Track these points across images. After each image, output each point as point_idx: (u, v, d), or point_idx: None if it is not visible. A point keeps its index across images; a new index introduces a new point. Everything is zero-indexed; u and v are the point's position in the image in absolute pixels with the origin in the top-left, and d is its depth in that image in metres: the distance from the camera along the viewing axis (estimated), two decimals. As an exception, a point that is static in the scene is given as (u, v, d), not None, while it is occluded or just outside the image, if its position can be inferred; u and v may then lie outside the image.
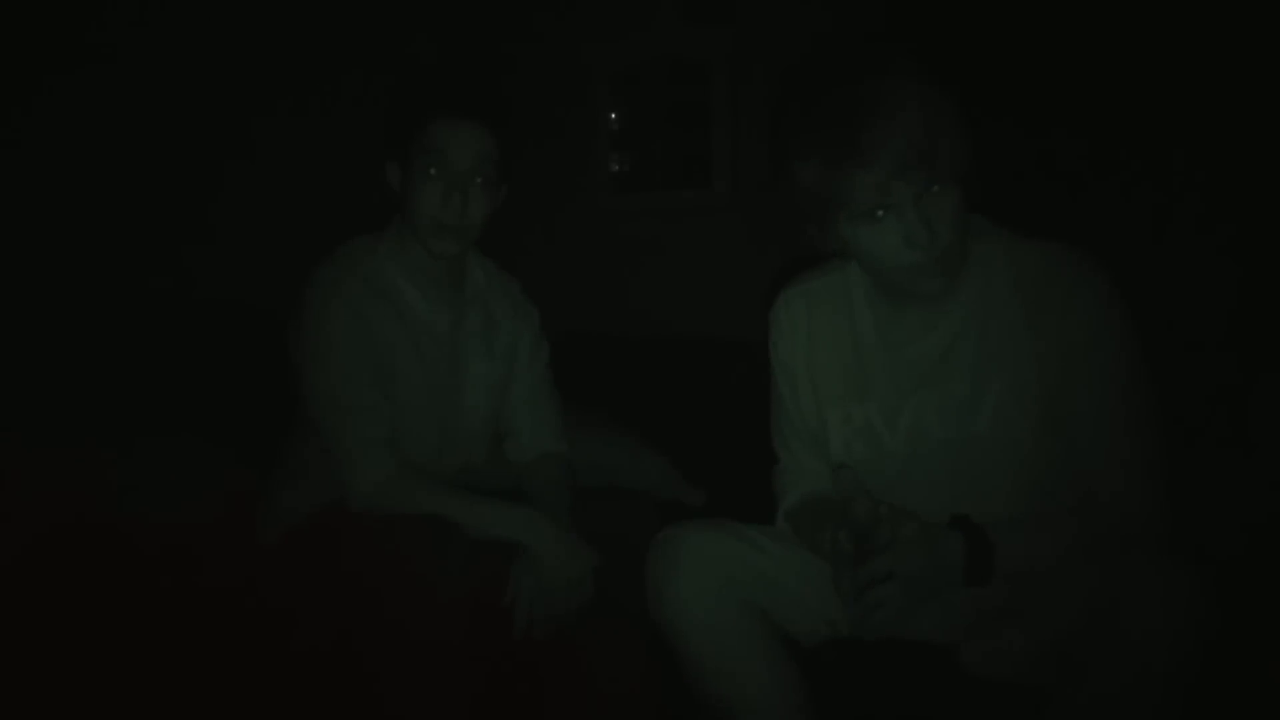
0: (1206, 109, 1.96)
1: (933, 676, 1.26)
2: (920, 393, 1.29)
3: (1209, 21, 1.92)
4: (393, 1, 2.90)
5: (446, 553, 1.38)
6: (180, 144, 2.44)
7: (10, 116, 2.14)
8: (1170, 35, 1.98)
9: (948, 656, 1.25)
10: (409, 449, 1.53)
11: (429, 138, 1.50)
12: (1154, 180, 2.02)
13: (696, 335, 2.58)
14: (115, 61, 2.32)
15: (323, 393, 1.51)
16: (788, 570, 1.31)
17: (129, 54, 2.34)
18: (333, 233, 1.63)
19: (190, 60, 2.47)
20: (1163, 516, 1.17)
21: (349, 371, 1.50)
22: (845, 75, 1.18)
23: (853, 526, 1.16)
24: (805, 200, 1.22)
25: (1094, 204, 2.05)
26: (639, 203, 2.96)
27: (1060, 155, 2.09)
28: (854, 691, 1.31)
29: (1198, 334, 1.82)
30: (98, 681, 1.56)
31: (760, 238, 2.63)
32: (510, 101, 1.63)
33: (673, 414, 2.31)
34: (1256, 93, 1.89)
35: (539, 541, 1.45)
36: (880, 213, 1.16)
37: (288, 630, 1.50)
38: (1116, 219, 2.02)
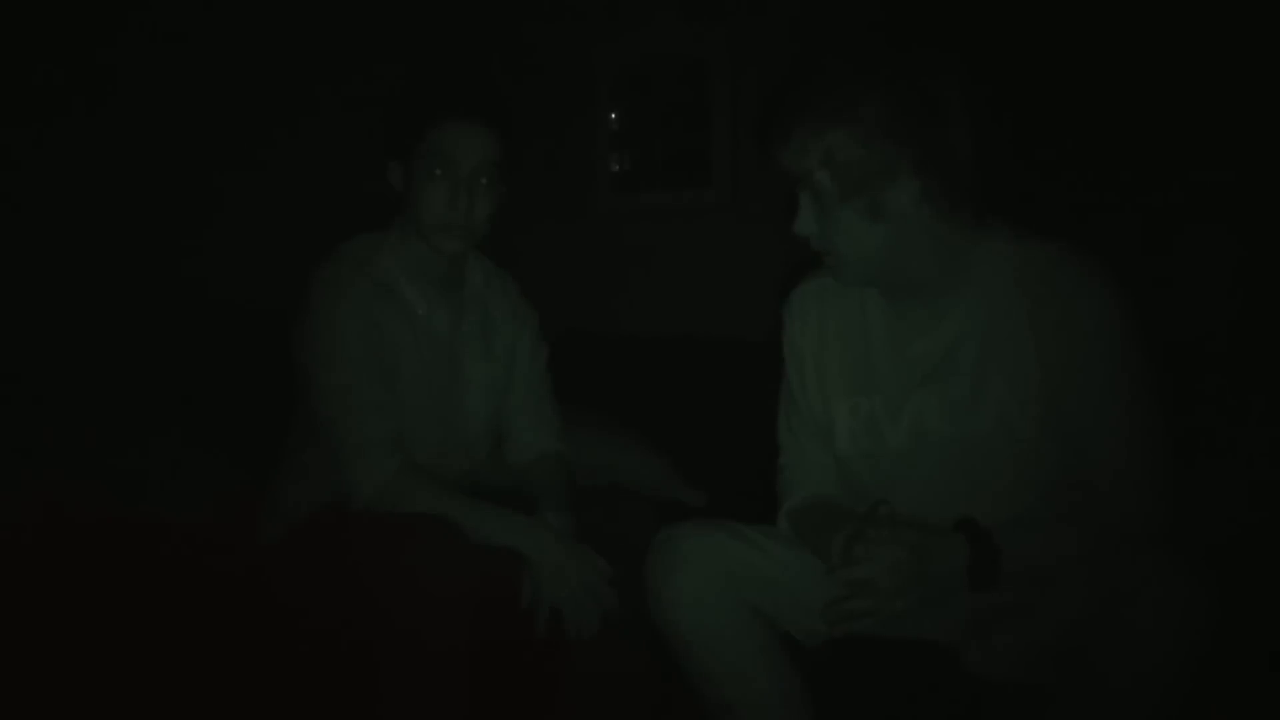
0: (1209, 109, 1.96)
1: (933, 676, 1.26)
2: (923, 389, 1.29)
3: (1210, 21, 1.92)
4: (394, 3, 2.91)
5: (449, 551, 1.38)
6: (182, 146, 2.45)
7: (20, 119, 2.14)
8: (1171, 35, 1.98)
9: (948, 656, 1.25)
10: (412, 449, 1.53)
11: (434, 140, 1.50)
12: (1156, 181, 2.02)
13: (696, 335, 2.58)
14: (123, 66, 2.32)
15: (328, 390, 1.50)
16: (788, 570, 1.31)
17: (134, 57, 2.35)
18: (335, 233, 1.63)
19: (194, 63, 2.47)
20: (1164, 516, 1.17)
21: (355, 369, 1.50)
22: (813, 72, 1.23)
23: (856, 530, 1.18)
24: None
25: (1096, 205, 2.05)
26: (639, 203, 2.95)
27: (1062, 156, 2.09)
28: (854, 691, 1.31)
29: (1199, 334, 1.82)
30: (100, 680, 1.56)
31: (760, 238, 2.62)
32: (513, 102, 1.63)
33: (673, 414, 2.31)
34: (1258, 93, 1.89)
35: (537, 550, 1.45)
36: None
37: (290, 629, 1.50)
38: (1119, 220, 2.02)
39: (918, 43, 1.22)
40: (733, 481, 1.88)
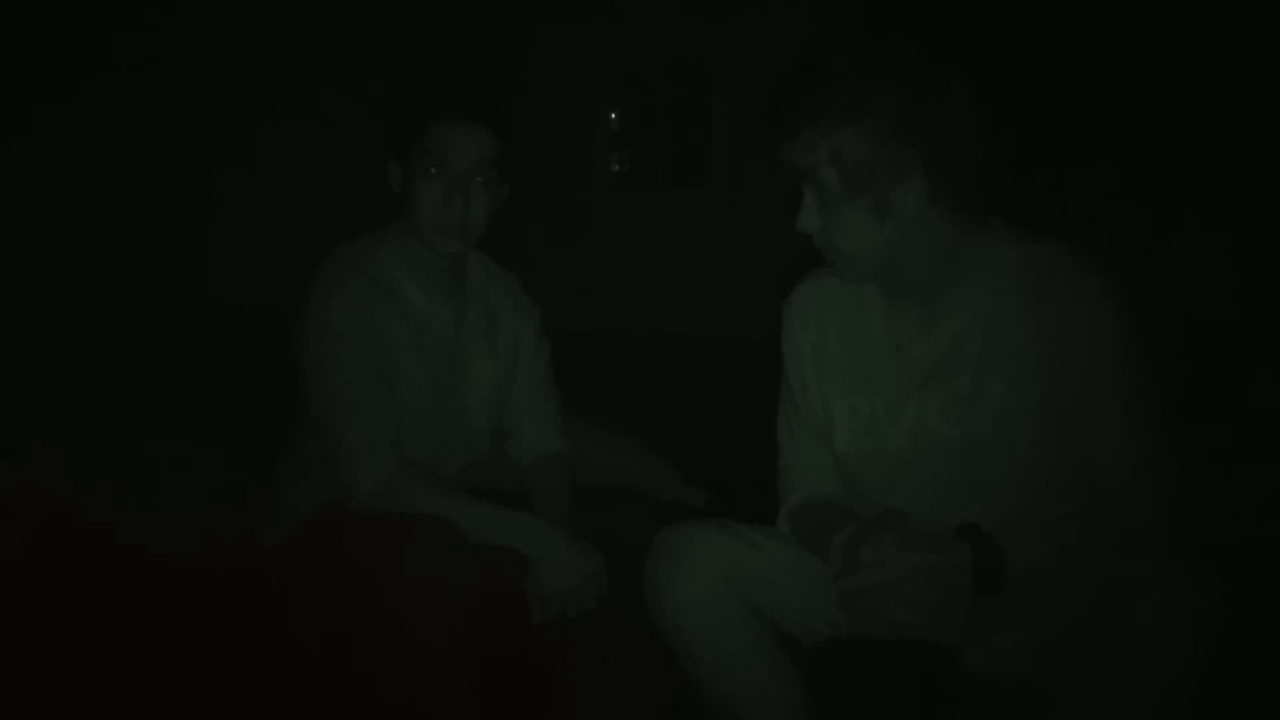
0: (1208, 109, 1.96)
1: (933, 676, 1.26)
2: (924, 389, 1.29)
3: (1208, 20, 1.93)
4: (393, 2, 2.91)
5: (449, 551, 1.37)
6: (182, 146, 2.45)
7: (17, 119, 2.14)
8: (1169, 34, 1.98)
9: (949, 656, 1.25)
10: (412, 447, 1.53)
11: (430, 139, 1.50)
12: (1156, 181, 2.02)
13: (696, 335, 2.58)
14: (119, 67, 2.32)
15: (326, 390, 1.50)
16: (788, 570, 1.31)
17: (132, 59, 2.35)
18: (335, 233, 1.63)
19: (192, 63, 2.47)
20: (1166, 516, 1.17)
21: (353, 369, 1.50)
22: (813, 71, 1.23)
23: (858, 533, 1.18)
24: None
25: (1096, 205, 2.05)
26: (639, 203, 2.96)
27: (1062, 157, 2.09)
28: (854, 691, 1.31)
29: (1199, 333, 1.82)
30: (100, 680, 1.56)
31: (760, 238, 2.63)
32: (512, 102, 1.63)
33: (673, 414, 2.31)
34: (1256, 93, 1.89)
35: (538, 550, 1.45)
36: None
37: (290, 629, 1.50)
38: (1119, 219, 2.02)
39: (923, 44, 1.22)
40: (733, 481, 1.88)
